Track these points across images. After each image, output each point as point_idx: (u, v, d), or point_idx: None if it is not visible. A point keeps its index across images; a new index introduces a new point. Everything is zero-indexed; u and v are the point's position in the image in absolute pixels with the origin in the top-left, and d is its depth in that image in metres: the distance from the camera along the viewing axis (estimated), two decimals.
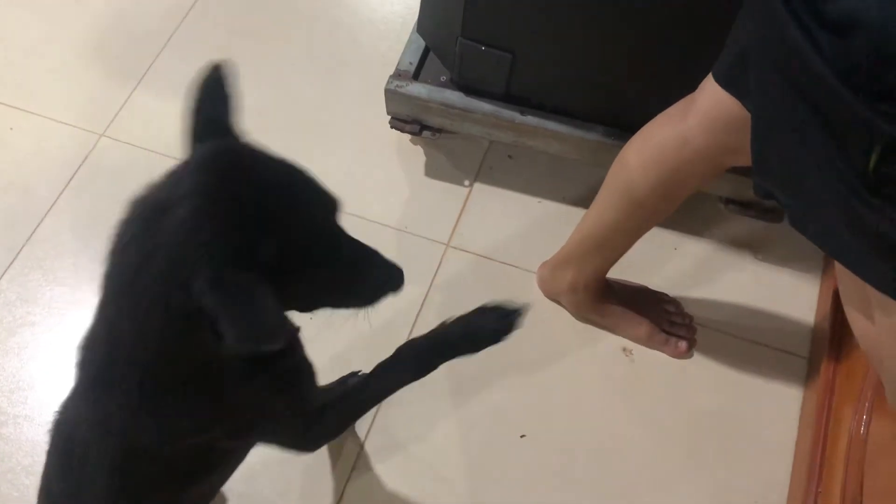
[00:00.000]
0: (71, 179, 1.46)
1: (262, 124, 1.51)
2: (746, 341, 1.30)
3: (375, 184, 1.46)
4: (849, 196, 0.56)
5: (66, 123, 1.53)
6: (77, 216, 1.43)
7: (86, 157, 1.49)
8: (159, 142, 1.51)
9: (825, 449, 1.11)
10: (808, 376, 1.25)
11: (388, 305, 1.34)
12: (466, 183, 1.46)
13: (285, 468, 1.20)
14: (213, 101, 0.70)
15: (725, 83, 0.84)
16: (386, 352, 1.28)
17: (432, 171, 1.47)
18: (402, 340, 1.28)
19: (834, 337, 1.20)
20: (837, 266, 0.68)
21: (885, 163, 0.52)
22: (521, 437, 1.23)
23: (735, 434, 1.23)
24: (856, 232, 0.56)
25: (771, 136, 0.66)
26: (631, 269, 1.31)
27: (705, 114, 0.89)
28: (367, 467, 1.20)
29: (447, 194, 1.44)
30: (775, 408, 1.24)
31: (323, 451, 1.21)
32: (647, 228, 1.11)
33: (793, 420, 1.23)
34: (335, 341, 1.30)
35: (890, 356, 0.64)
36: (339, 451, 1.21)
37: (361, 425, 1.23)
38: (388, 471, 1.20)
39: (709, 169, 0.96)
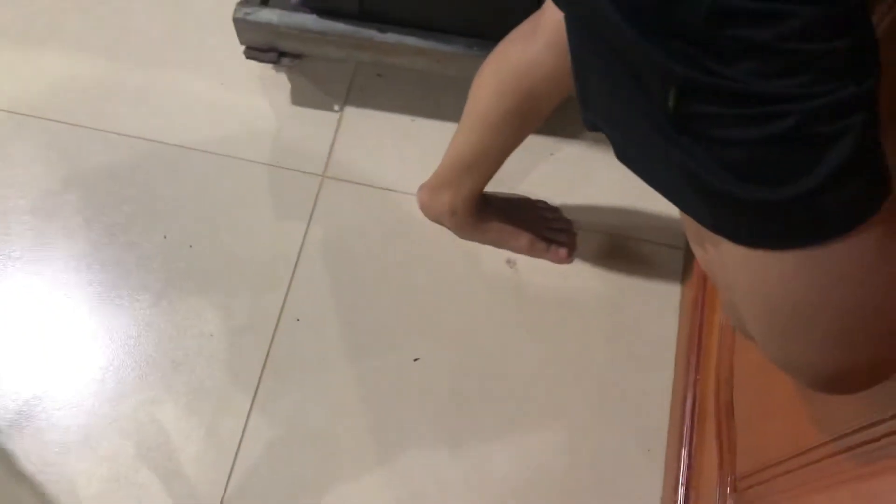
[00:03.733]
0: None
1: (114, 66, 1.42)
2: (627, 238, 1.32)
3: (240, 119, 1.39)
4: (657, 135, 0.55)
5: None
6: None
7: None
8: None
9: (701, 337, 1.16)
10: (684, 268, 1.29)
11: (268, 246, 1.33)
12: (336, 108, 1.40)
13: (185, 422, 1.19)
14: None
15: (559, 3, 0.81)
16: (268, 288, 1.27)
17: (299, 98, 1.41)
18: (285, 280, 1.27)
19: None
20: None
21: (684, 102, 0.52)
22: (415, 360, 1.24)
23: (622, 330, 1.26)
24: (670, 168, 0.56)
25: (585, 70, 0.64)
26: (509, 179, 1.31)
27: (550, 34, 0.86)
28: (266, 405, 1.20)
29: (317, 122, 1.39)
30: (658, 301, 1.28)
31: (223, 389, 1.21)
32: (514, 146, 1.10)
33: (674, 311, 1.27)
34: (219, 282, 1.27)
35: (722, 285, 0.66)
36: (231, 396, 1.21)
37: (254, 368, 1.22)
38: (284, 407, 1.20)
39: (563, 89, 0.94)
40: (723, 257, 0.60)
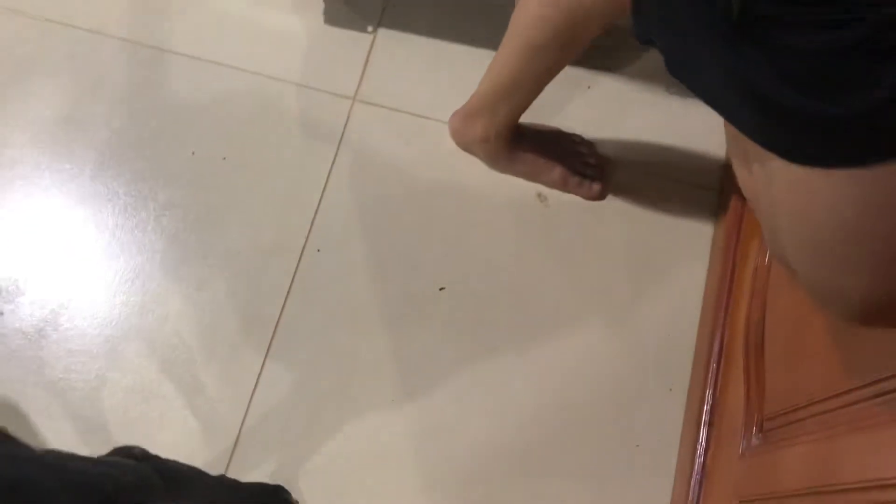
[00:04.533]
0: None
1: None
2: (660, 177, 1.29)
3: (271, 36, 1.36)
4: (716, 43, 0.52)
5: None
6: None
7: None
8: None
9: (733, 279, 1.14)
10: (718, 209, 1.26)
11: (297, 167, 1.31)
12: (370, 29, 1.37)
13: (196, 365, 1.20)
14: None
15: None
16: (297, 210, 1.26)
17: (332, 17, 1.37)
18: (312, 205, 1.26)
19: None
20: None
21: (750, 4, 0.49)
22: (441, 289, 1.23)
23: (649, 268, 1.24)
24: (726, 79, 0.53)
25: None
26: (544, 110, 1.27)
27: None
28: (290, 326, 1.20)
29: (350, 43, 1.36)
30: (688, 241, 1.26)
31: (247, 308, 1.21)
32: (556, 72, 1.06)
33: (704, 253, 1.25)
34: (247, 202, 1.26)
35: (765, 207, 0.63)
36: (256, 321, 1.21)
37: (280, 289, 1.22)
38: (307, 330, 1.20)
39: (613, 9, 0.90)
40: (770, 176, 0.57)
